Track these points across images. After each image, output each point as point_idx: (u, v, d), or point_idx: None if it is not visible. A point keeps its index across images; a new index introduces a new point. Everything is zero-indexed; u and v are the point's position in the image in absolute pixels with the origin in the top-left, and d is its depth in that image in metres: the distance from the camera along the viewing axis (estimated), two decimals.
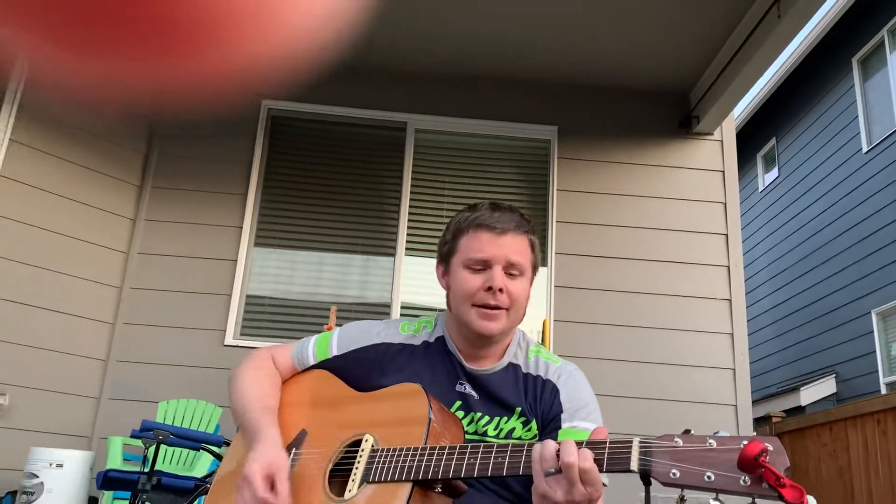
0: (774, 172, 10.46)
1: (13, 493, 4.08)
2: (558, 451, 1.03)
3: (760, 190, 10.76)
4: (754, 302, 10.04)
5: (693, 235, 5.25)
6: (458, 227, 1.47)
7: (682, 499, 0.92)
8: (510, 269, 1.41)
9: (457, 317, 1.44)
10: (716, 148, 5.47)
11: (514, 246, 1.41)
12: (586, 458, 1.01)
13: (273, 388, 1.48)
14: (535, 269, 1.47)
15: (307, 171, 5.46)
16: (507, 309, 1.40)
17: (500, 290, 1.38)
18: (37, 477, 3.90)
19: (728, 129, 5.51)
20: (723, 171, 5.39)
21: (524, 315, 1.46)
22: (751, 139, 10.66)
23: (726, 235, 5.25)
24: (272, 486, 1.24)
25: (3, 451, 4.36)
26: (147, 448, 3.24)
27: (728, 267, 5.18)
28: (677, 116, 5.47)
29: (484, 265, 1.41)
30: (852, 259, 8.26)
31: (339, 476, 1.26)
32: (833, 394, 8.00)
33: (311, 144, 5.53)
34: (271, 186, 5.35)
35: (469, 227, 1.45)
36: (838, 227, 8.60)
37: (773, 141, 10.51)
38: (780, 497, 0.84)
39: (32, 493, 3.87)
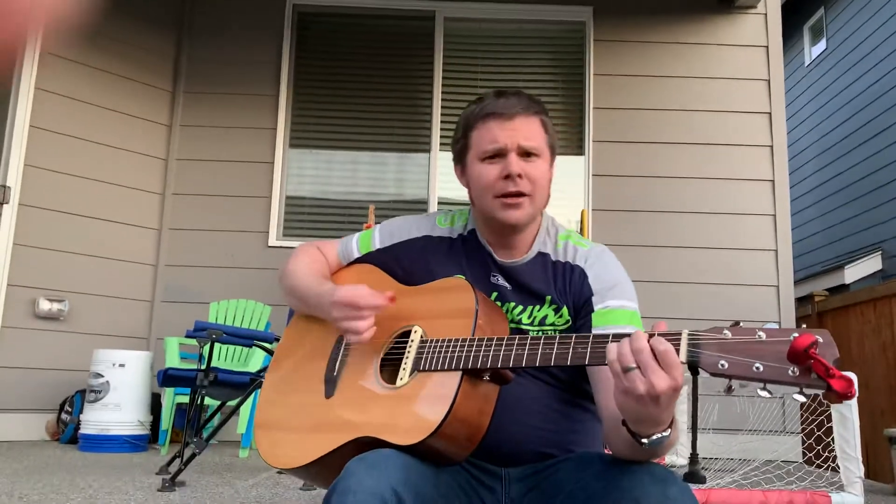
0: (822, 45, 9.96)
1: (82, 392, 4.33)
2: (630, 347, 1.01)
3: (807, 64, 10.30)
4: (799, 181, 9.80)
5: (735, 115, 5.10)
6: (468, 122, 1.45)
7: (729, 388, 0.94)
8: (526, 153, 1.39)
9: (481, 211, 1.44)
10: (759, 22, 5.21)
11: (526, 129, 1.39)
12: (660, 342, 1.00)
13: (327, 270, 1.53)
14: (552, 150, 1.44)
15: (337, 67, 5.37)
16: (529, 194, 1.38)
17: (519, 175, 1.36)
18: (102, 377, 4.12)
19: (772, 1, 5.22)
20: (766, 47, 5.16)
21: (549, 198, 1.45)
22: (797, 10, 10.10)
23: (770, 114, 5.08)
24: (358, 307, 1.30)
25: (68, 353, 4.59)
26: (202, 347, 3.38)
27: (771, 147, 5.05)
28: None
29: (498, 154, 1.39)
30: None
31: (389, 365, 1.31)
32: (879, 270, 7.90)
33: (340, 40, 5.42)
34: (302, 85, 5.29)
35: (478, 119, 1.42)
36: (889, 100, 8.24)
37: (821, 11, 9.96)
38: (829, 387, 0.85)
39: (100, 392, 4.10)
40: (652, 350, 0.99)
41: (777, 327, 0.90)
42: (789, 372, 0.88)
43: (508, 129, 1.38)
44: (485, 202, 1.41)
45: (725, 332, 0.96)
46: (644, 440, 1.06)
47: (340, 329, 1.32)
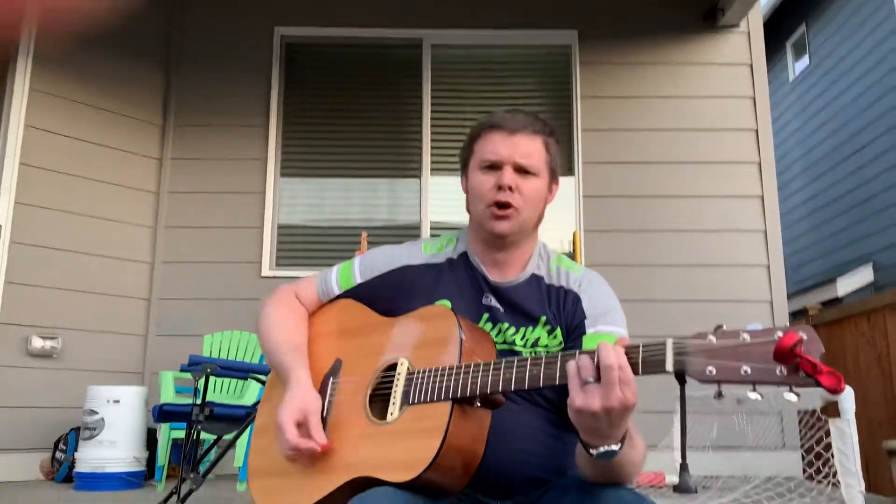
0: (805, 61, 10.08)
1: (76, 430, 4.28)
2: (594, 361, 1.04)
3: (791, 80, 10.41)
4: (788, 196, 9.85)
5: (722, 133, 5.14)
6: (474, 133, 1.49)
7: (719, 394, 0.94)
8: (522, 169, 1.41)
9: (474, 219, 1.47)
10: (742, 40, 5.28)
11: (526, 146, 1.42)
12: (622, 356, 1.03)
13: (299, 325, 1.51)
14: (552, 172, 1.47)
15: (326, 96, 5.41)
16: (517, 207, 1.40)
17: (511, 188, 1.39)
18: (97, 413, 4.08)
19: (755, 20, 5.30)
20: (750, 65, 5.23)
21: (541, 217, 1.47)
22: (779, 28, 10.24)
23: (756, 131, 5.13)
24: (306, 429, 1.29)
25: (61, 390, 4.55)
26: (197, 381, 3.36)
27: (759, 163, 5.09)
28: (701, 10, 5.26)
29: (495, 165, 1.42)
30: (888, 144, 8.04)
31: (378, 400, 1.30)
32: (871, 283, 7.93)
33: (328, 69, 5.46)
34: (292, 115, 5.32)
35: (482, 130, 1.46)
36: (874, 113, 8.33)
37: (802, 27, 10.09)
38: (818, 383, 0.85)
39: (94, 429, 4.06)
40: (614, 363, 1.02)
41: (760, 327, 0.91)
42: (777, 372, 0.88)
43: (509, 143, 1.41)
44: (478, 210, 1.44)
45: (710, 337, 0.96)
46: (593, 451, 1.09)
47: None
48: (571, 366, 1.07)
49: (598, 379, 1.03)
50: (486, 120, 1.47)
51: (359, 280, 1.51)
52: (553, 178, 1.47)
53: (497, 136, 1.42)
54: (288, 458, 1.30)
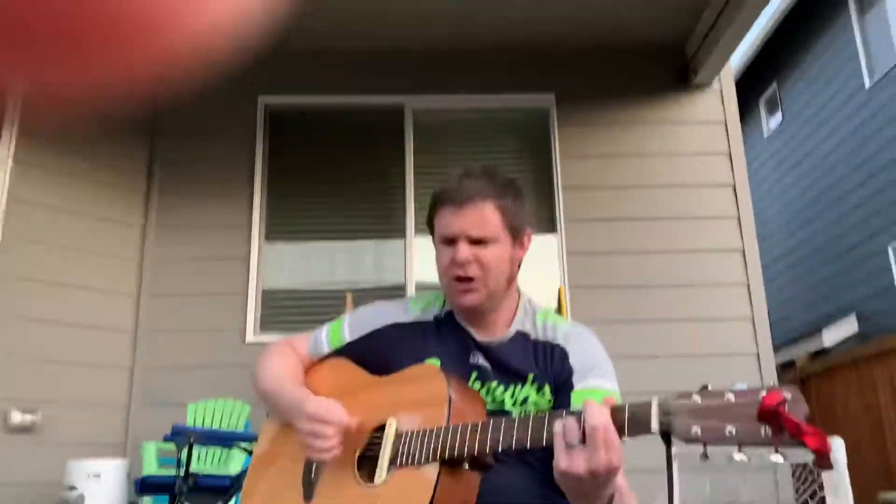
0: (778, 117, 10.34)
1: None
2: (580, 423, 1.04)
3: (766, 136, 10.65)
4: (769, 249, 9.97)
5: (701, 189, 5.22)
6: (433, 204, 1.50)
7: (704, 455, 0.93)
8: (477, 240, 1.41)
9: (444, 291, 1.47)
10: (716, 98, 5.41)
11: (476, 216, 1.41)
12: (607, 417, 1.03)
13: (300, 370, 1.51)
14: (514, 231, 1.45)
15: (310, 162, 5.46)
16: (478, 278, 1.40)
17: (468, 261, 1.39)
18: (76, 489, 3.97)
19: (727, 78, 5.45)
20: (725, 122, 5.35)
21: (512, 276, 1.47)
22: (751, 85, 10.52)
23: (734, 186, 5.21)
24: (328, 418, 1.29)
25: (40, 466, 4.42)
26: (180, 451, 3.29)
27: (738, 217, 5.16)
28: (674, 70, 5.41)
29: (450, 240, 1.42)
30: (864, 196, 8.19)
31: (367, 461, 1.28)
32: (855, 333, 7.97)
33: (312, 136, 5.53)
34: (276, 181, 5.36)
35: (437, 203, 1.47)
36: (848, 166, 8.51)
37: (774, 85, 10.38)
38: (803, 445, 0.85)
39: None
40: (599, 424, 1.02)
41: (746, 387, 0.91)
42: (762, 433, 0.88)
43: (459, 217, 1.41)
44: (443, 284, 1.46)
45: (694, 396, 0.96)
46: None
47: (305, 443, 1.29)
48: (557, 427, 1.06)
49: (583, 440, 1.02)
50: (437, 192, 1.47)
51: (348, 339, 1.51)
52: (516, 236, 1.46)
53: (447, 211, 1.42)
54: (315, 448, 1.28)
